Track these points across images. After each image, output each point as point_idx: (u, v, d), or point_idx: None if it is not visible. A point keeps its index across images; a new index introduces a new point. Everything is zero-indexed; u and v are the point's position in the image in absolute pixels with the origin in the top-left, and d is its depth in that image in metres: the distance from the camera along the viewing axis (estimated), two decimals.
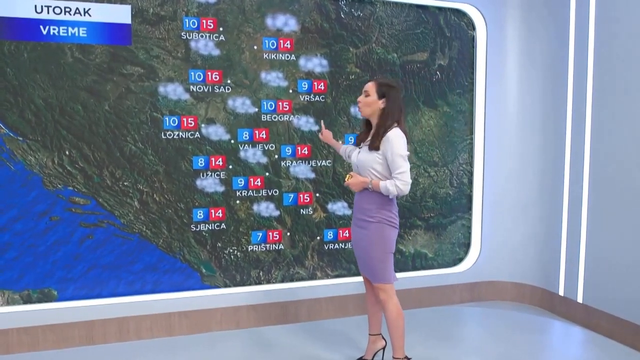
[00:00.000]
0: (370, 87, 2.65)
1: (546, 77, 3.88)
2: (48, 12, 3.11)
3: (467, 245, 4.14)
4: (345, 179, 2.69)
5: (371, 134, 2.67)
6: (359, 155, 2.70)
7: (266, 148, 3.58)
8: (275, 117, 3.59)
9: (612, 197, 3.34)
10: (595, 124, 3.45)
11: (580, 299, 3.60)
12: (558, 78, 3.76)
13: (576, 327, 3.58)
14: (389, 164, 2.57)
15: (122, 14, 3.23)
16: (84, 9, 3.16)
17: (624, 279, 3.26)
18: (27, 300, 3.18)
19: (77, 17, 3.15)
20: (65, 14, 3.13)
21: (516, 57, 4.02)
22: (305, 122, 3.66)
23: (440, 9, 3.91)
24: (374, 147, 2.59)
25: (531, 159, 4.00)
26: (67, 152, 3.19)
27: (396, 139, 2.55)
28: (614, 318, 3.33)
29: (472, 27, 4.00)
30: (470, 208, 4.12)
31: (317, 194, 3.72)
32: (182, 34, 3.35)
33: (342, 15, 3.68)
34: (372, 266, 2.66)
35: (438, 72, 3.95)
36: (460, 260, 4.13)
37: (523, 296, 4.08)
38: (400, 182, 2.52)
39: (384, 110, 2.62)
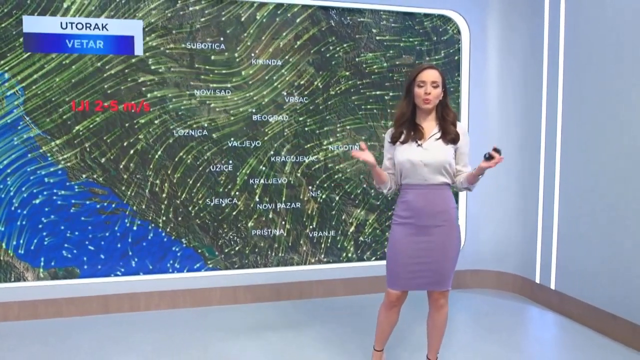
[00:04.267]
0: (438, 76, 2.39)
1: (526, 79, 4.13)
2: (72, 28, 3.61)
3: None
4: (495, 156, 2.26)
5: (439, 128, 2.46)
6: (429, 154, 2.42)
7: (264, 146, 3.99)
8: (271, 118, 3.98)
9: (583, 189, 3.56)
10: (565, 117, 3.70)
11: (553, 286, 3.84)
12: (534, 78, 4.00)
13: (549, 313, 3.81)
14: (459, 158, 2.48)
15: (134, 28, 3.70)
16: (102, 24, 3.64)
17: (594, 268, 3.47)
18: (54, 277, 3.70)
19: (96, 32, 3.64)
20: (86, 29, 3.63)
21: (496, 60, 4.28)
22: (299, 123, 4.04)
23: (426, 15, 4.21)
24: (452, 140, 2.44)
25: (510, 155, 4.21)
26: (88, 149, 3.69)
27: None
28: (584, 304, 3.55)
29: (458, 31, 4.28)
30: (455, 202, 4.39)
31: (310, 187, 4.10)
32: (188, 44, 3.79)
33: (333, 24, 4.04)
34: (450, 271, 2.50)
35: None
36: None
37: (506, 284, 4.33)
38: None
39: (443, 101, 2.46)
